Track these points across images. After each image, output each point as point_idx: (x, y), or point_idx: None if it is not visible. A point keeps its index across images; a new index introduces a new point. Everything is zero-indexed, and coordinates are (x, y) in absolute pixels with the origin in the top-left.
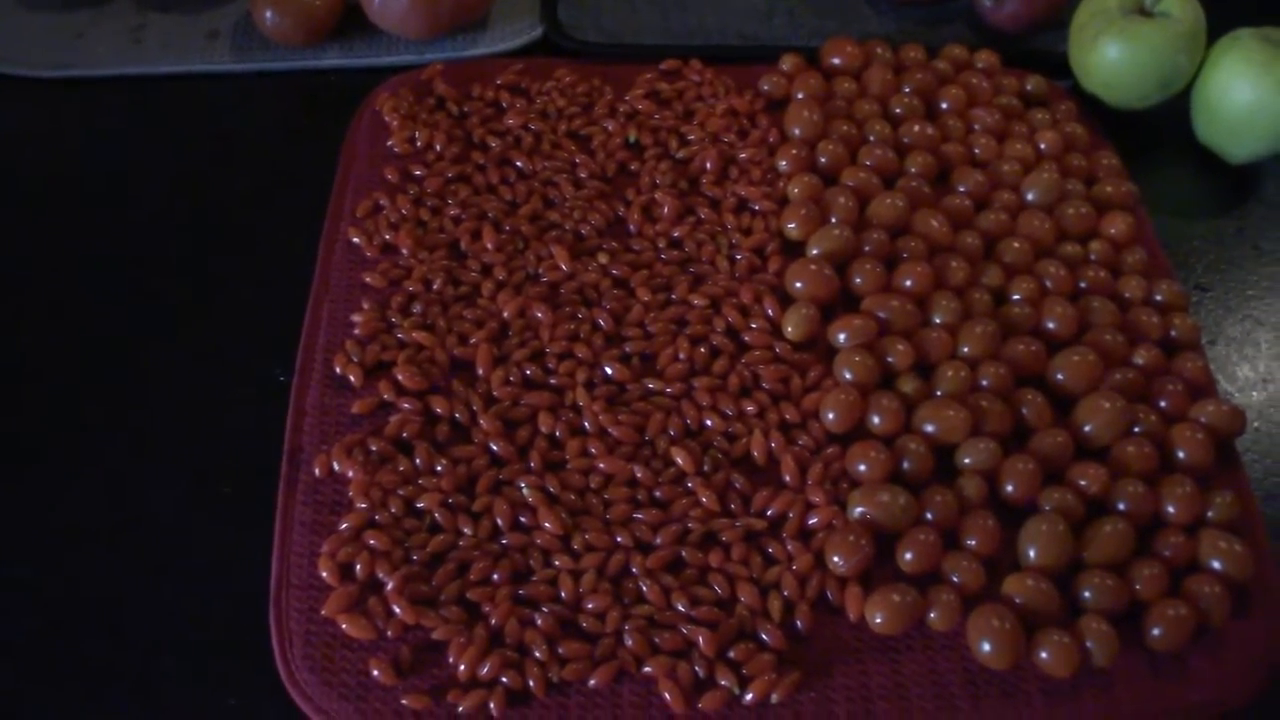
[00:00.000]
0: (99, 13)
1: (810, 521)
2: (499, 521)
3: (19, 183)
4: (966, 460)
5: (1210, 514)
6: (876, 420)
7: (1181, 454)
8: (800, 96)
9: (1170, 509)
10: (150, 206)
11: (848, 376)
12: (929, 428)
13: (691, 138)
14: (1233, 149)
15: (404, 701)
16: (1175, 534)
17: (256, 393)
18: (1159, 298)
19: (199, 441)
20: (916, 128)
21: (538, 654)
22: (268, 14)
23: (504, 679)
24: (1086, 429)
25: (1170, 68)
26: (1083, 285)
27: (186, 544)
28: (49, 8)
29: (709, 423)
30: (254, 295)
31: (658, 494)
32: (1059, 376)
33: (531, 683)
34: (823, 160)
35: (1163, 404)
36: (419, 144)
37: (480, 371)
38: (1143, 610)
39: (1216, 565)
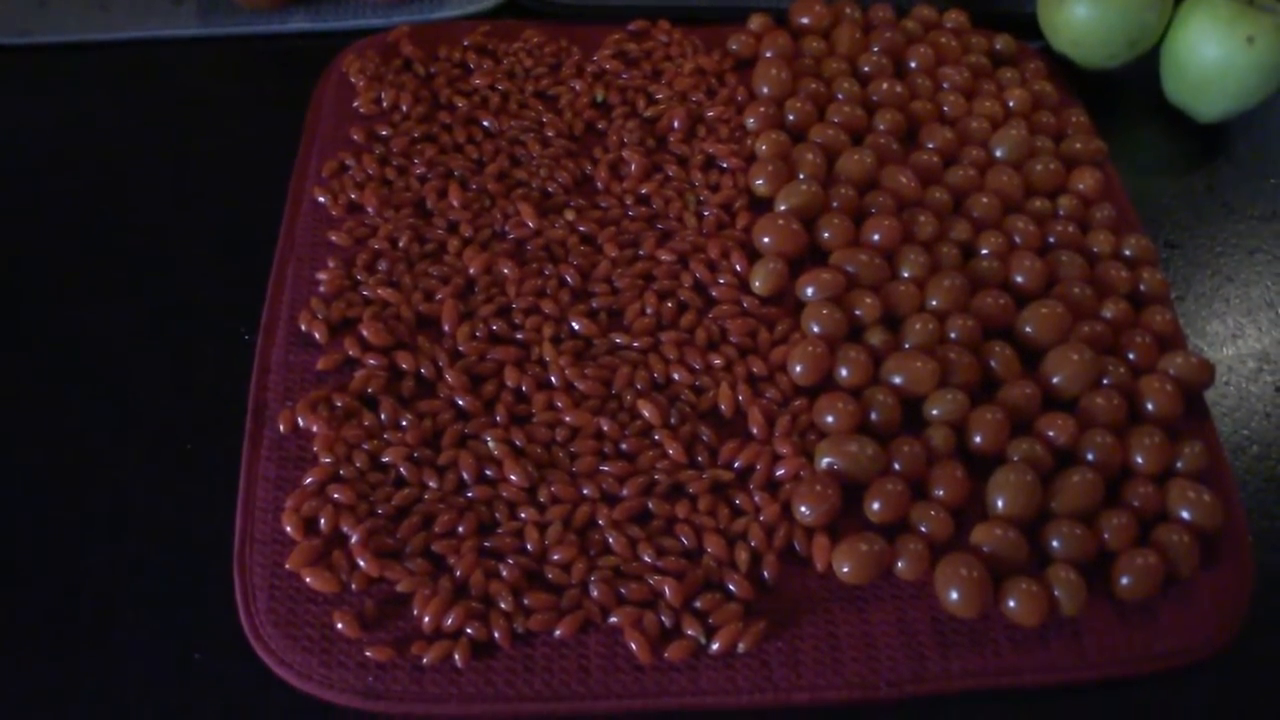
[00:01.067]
0: None
1: (778, 473)
2: (464, 475)
3: None
4: (934, 411)
5: (1179, 465)
6: (844, 372)
7: (1150, 405)
8: (768, 55)
9: (1139, 459)
10: (115, 170)
11: (815, 329)
12: (897, 379)
13: (659, 96)
14: (1201, 107)
15: (368, 654)
16: (1144, 484)
17: (221, 351)
18: (1128, 253)
19: (163, 399)
20: (885, 85)
21: (503, 605)
22: None
23: (469, 630)
24: (1055, 380)
25: (1138, 26)
26: (1051, 240)
27: (149, 500)
28: None
29: (676, 376)
30: (219, 255)
31: (624, 446)
32: (1027, 329)
33: (497, 634)
34: (791, 118)
35: (1131, 356)
36: (385, 104)
37: (446, 327)
38: (1111, 560)
39: (1185, 515)
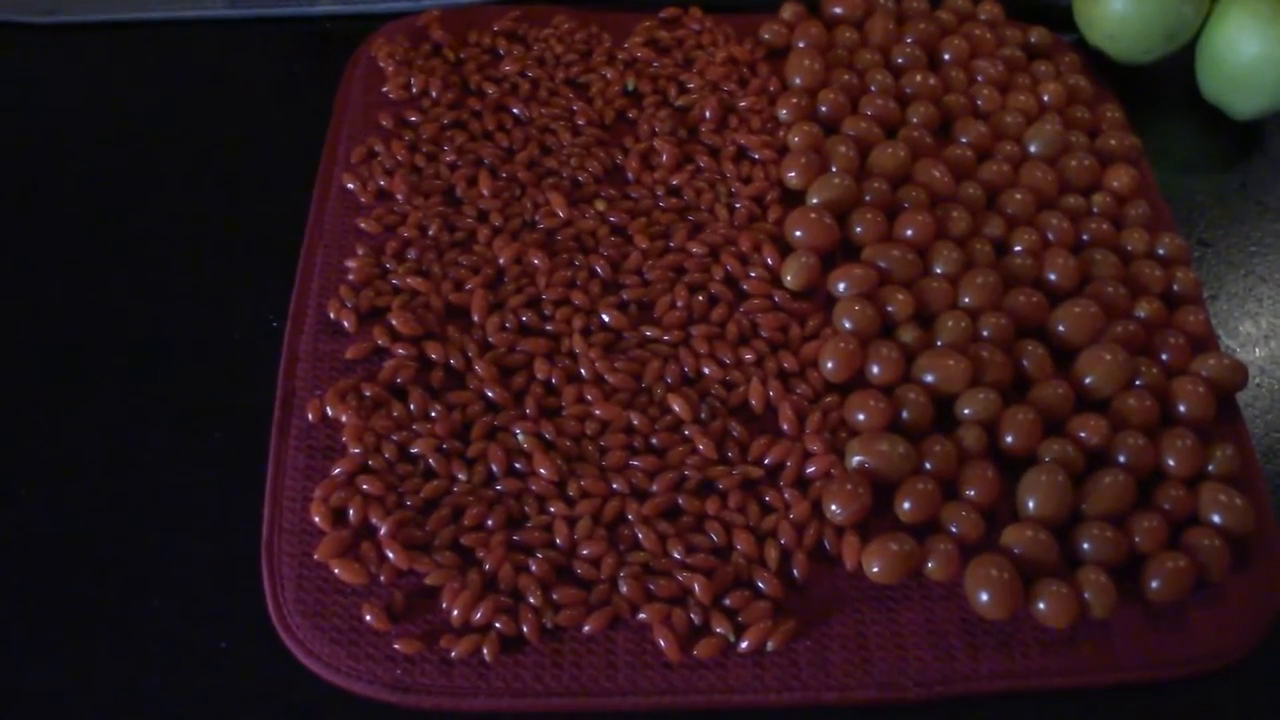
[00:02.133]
0: None
1: (808, 470)
2: (494, 467)
3: (11, 129)
4: (966, 411)
5: (1211, 467)
6: (876, 370)
7: (1182, 407)
8: (801, 45)
9: (1170, 461)
10: (144, 153)
11: (847, 325)
12: (929, 377)
13: (691, 85)
14: (1238, 104)
15: (396, 646)
16: (1175, 487)
17: (250, 339)
18: (1161, 251)
19: (191, 387)
20: (918, 78)
21: (532, 600)
22: None
23: (497, 624)
24: (1087, 381)
25: (1175, 20)
26: (1085, 237)
27: (177, 489)
28: None
29: (707, 370)
30: (247, 241)
31: (654, 441)
32: (1060, 328)
33: (525, 628)
34: (823, 109)
35: (1164, 357)
36: (414, 90)
37: (476, 318)
38: (1142, 562)
39: (1216, 518)
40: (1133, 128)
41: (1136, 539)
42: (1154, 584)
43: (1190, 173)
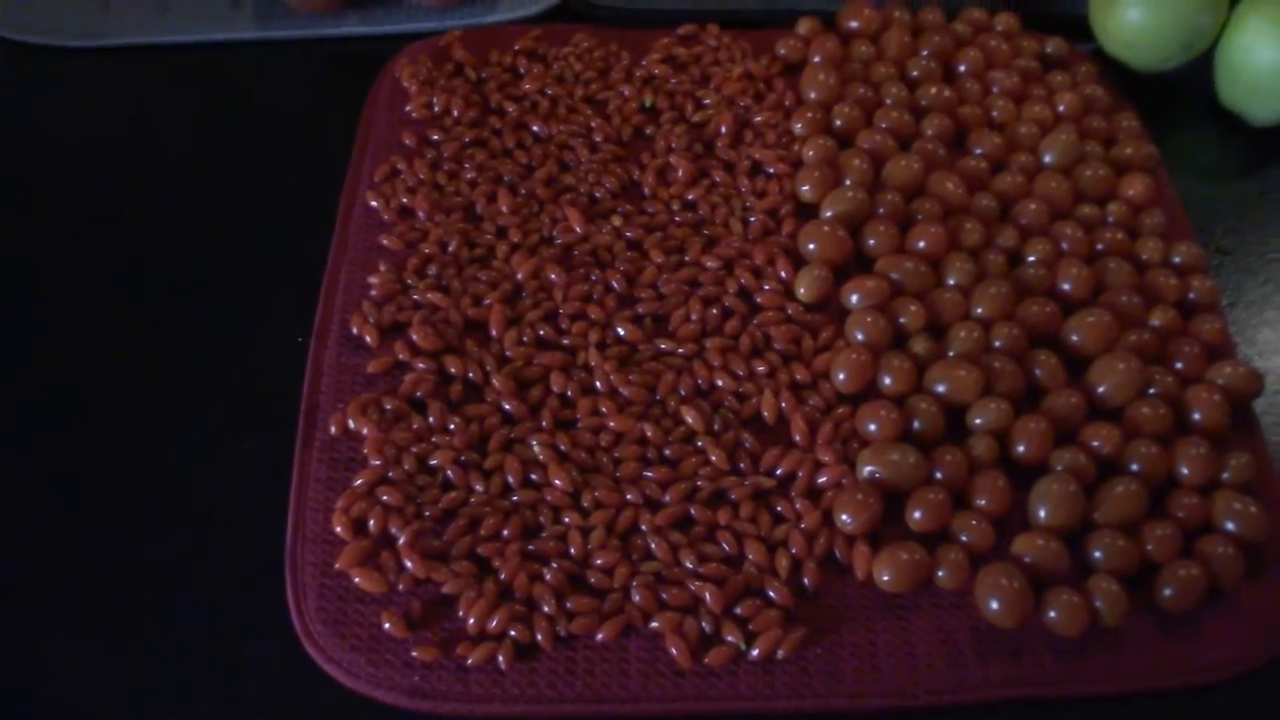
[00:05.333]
0: None
1: (819, 480)
2: (510, 479)
3: (50, 150)
4: (978, 420)
5: (1225, 476)
6: (888, 380)
7: (1197, 415)
8: (816, 60)
9: (1184, 470)
10: (174, 171)
11: (859, 337)
12: (940, 388)
13: (707, 101)
14: (1256, 111)
15: (414, 654)
16: (1189, 495)
17: (275, 354)
18: (1177, 260)
19: (218, 401)
20: (933, 90)
21: (546, 608)
22: None
23: (512, 632)
24: (1100, 390)
25: (1192, 28)
26: (1100, 247)
27: (204, 499)
28: None
29: (720, 383)
30: (275, 258)
31: (667, 452)
32: (1074, 338)
33: (539, 636)
34: (838, 123)
35: (1179, 365)
36: (437, 109)
37: (494, 332)
38: (1154, 571)
39: (1230, 526)
40: (1151, 136)
41: (1149, 547)
42: (1166, 592)
43: (1209, 180)
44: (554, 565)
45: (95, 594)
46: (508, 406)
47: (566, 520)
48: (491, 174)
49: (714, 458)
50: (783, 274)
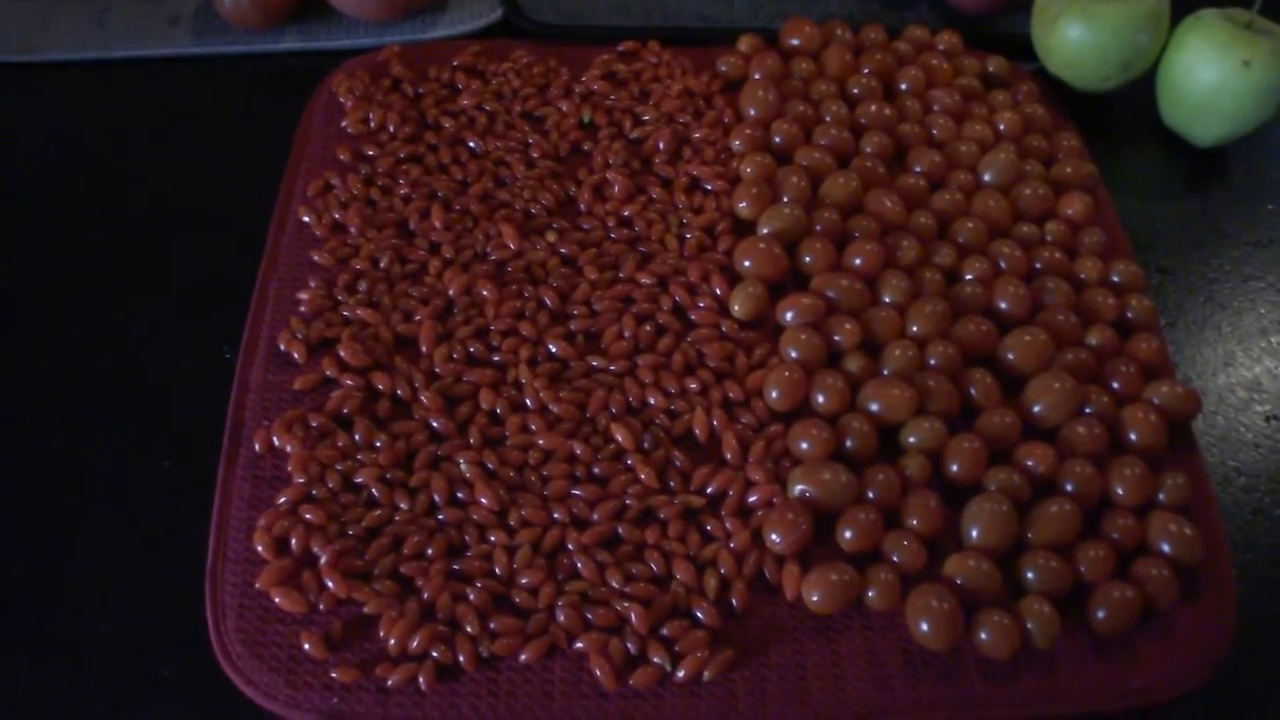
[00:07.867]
0: None
1: (750, 499)
2: (436, 497)
3: None
4: (911, 439)
5: (1161, 497)
6: (821, 399)
7: (1133, 435)
8: (756, 76)
9: (1119, 490)
10: (108, 186)
11: (793, 354)
12: (873, 406)
13: (646, 118)
14: (1198, 131)
15: (333, 675)
16: (1124, 516)
17: (203, 369)
18: (1116, 279)
19: (144, 416)
20: (873, 108)
21: (469, 628)
22: None
23: (434, 653)
24: (1036, 409)
25: (1132, 48)
26: (1038, 266)
27: (124, 516)
28: None
29: (651, 400)
30: (206, 274)
31: (596, 470)
32: (1009, 356)
33: (461, 657)
34: (777, 140)
35: (1115, 385)
36: (373, 124)
37: (424, 348)
38: (1088, 592)
39: (1165, 548)
40: (1093, 156)
41: (1083, 568)
42: (1100, 614)
43: (1151, 200)
44: (478, 585)
45: (9, 613)
46: (436, 424)
47: (492, 539)
48: (426, 189)
49: (643, 476)
50: (718, 291)
